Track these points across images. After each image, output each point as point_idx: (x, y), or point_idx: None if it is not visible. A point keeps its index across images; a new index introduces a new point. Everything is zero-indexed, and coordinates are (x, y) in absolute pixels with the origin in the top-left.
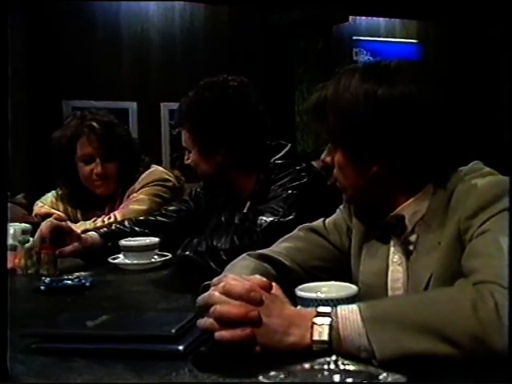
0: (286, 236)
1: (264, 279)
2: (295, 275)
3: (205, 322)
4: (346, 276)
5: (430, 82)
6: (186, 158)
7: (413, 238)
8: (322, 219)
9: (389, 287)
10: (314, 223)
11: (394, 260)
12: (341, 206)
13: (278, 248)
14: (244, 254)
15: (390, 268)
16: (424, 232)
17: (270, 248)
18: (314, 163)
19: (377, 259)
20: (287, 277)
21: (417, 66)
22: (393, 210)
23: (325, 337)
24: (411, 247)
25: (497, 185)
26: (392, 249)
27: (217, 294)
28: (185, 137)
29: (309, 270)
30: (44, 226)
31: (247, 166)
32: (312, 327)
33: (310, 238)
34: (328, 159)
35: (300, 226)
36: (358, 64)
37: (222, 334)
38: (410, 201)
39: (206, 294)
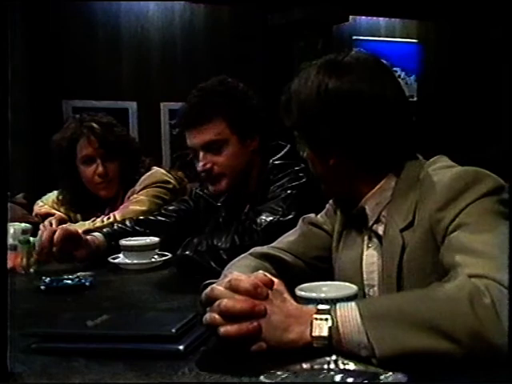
0: (289, 232)
1: (267, 275)
2: (297, 271)
3: (208, 317)
4: None
5: (380, 77)
6: (205, 163)
7: (380, 227)
8: (314, 214)
9: (363, 271)
10: (310, 215)
11: (370, 245)
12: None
13: (280, 244)
14: (246, 253)
15: (365, 252)
16: (387, 222)
17: (273, 244)
18: None
19: (353, 246)
20: (289, 274)
21: (370, 60)
22: (359, 201)
23: (324, 333)
24: (380, 235)
25: (464, 175)
26: (366, 235)
27: (221, 288)
28: (218, 129)
29: (309, 262)
30: (57, 233)
31: (262, 160)
32: (312, 324)
33: (308, 230)
34: (303, 155)
35: (302, 217)
36: (315, 62)
37: (228, 328)
38: (371, 193)
39: (208, 288)
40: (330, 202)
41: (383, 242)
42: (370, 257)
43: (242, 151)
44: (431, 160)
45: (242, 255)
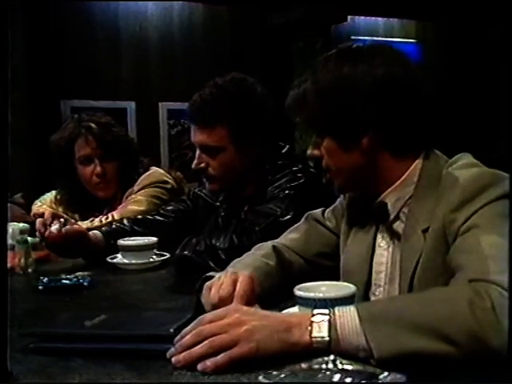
0: (293, 226)
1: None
2: (298, 269)
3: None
4: None
5: (403, 63)
6: (199, 162)
7: (398, 224)
8: (322, 208)
9: (373, 270)
10: (315, 211)
11: (381, 245)
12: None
13: (283, 240)
14: (251, 250)
15: (376, 252)
16: (409, 220)
17: (277, 240)
18: (310, 163)
19: (363, 242)
20: (291, 272)
21: (388, 47)
22: (378, 196)
23: (324, 333)
24: (398, 233)
25: (480, 177)
26: (380, 234)
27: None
28: (218, 136)
29: (311, 259)
30: (68, 227)
31: (262, 163)
32: (311, 325)
33: (311, 226)
34: (316, 152)
35: (307, 213)
36: (330, 53)
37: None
38: (392, 187)
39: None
40: (340, 198)
41: (402, 240)
42: (380, 256)
43: (237, 159)
44: (454, 158)
45: (248, 252)
